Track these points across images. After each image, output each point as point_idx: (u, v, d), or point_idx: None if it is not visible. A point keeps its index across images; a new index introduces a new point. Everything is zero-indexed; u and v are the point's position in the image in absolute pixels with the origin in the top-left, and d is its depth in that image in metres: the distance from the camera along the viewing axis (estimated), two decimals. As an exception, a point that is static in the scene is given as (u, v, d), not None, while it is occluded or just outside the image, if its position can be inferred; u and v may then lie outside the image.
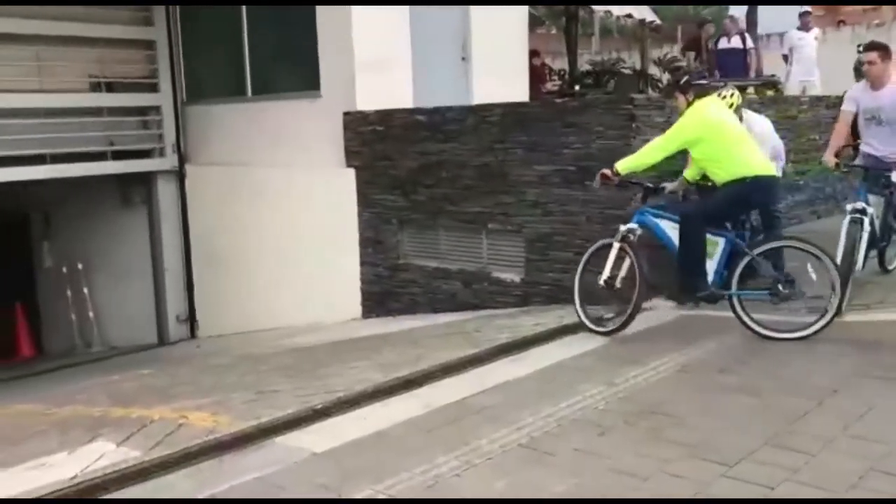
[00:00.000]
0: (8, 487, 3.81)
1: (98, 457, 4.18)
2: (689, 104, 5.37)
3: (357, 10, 8.04)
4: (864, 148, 6.24)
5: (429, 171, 7.46)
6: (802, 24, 11.43)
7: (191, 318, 9.89)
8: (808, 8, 11.89)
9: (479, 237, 7.26)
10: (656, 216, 5.46)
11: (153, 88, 9.76)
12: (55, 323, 11.09)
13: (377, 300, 8.06)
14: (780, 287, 5.17)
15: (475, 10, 9.05)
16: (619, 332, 5.48)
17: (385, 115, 7.80)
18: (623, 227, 5.46)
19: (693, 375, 4.78)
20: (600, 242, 5.60)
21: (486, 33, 9.12)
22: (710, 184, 5.58)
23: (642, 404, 4.31)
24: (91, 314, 10.44)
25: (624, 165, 5.38)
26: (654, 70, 13.18)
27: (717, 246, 5.31)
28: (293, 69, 8.93)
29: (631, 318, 5.40)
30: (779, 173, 6.00)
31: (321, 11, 8.30)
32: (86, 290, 10.50)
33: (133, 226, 10.12)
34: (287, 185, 8.74)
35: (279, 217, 8.80)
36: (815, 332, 5.05)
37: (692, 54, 11.89)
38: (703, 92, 5.49)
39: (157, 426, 4.62)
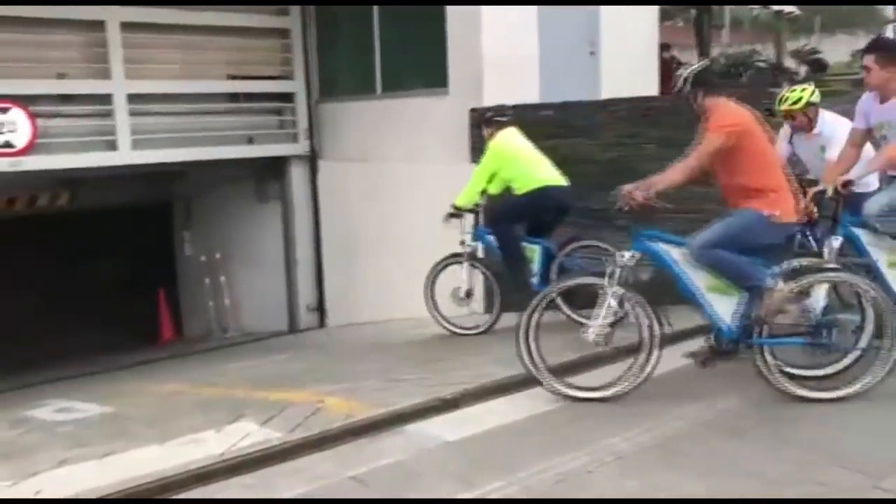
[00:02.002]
0: (166, 460, 4.10)
1: (243, 436, 4.43)
2: (491, 137, 6.49)
3: (486, 8, 8.10)
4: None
5: (555, 166, 7.44)
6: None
7: (320, 308, 10.26)
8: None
9: (605, 234, 7.17)
10: (485, 233, 6.43)
11: (288, 85, 10.19)
12: (194, 309, 11.75)
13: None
14: None
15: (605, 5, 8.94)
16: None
17: (512, 111, 7.82)
18: (466, 245, 6.53)
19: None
20: (446, 259, 6.63)
21: (615, 27, 8.99)
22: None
23: (779, 411, 4.19)
24: (227, 301, 10.99)
25: (461, 201, 6.49)
26: (790, 63, 12.62)
27: (535, 252, 6.14)
28: (421, 66, 9.09)
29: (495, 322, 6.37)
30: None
31: (451, 10, 8.42)
32: (223, 279, 11.06)
33: (267, 219, 10.59)
34: (414, 180, 8.91)
35: (406, 211, 8.99)
36: None
37: None
38: (501, 125, 6.57)
39: (296, 409, 4.85)
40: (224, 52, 9.89)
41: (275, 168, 10.38)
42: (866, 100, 4.99)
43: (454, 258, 6.73)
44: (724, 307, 4.48)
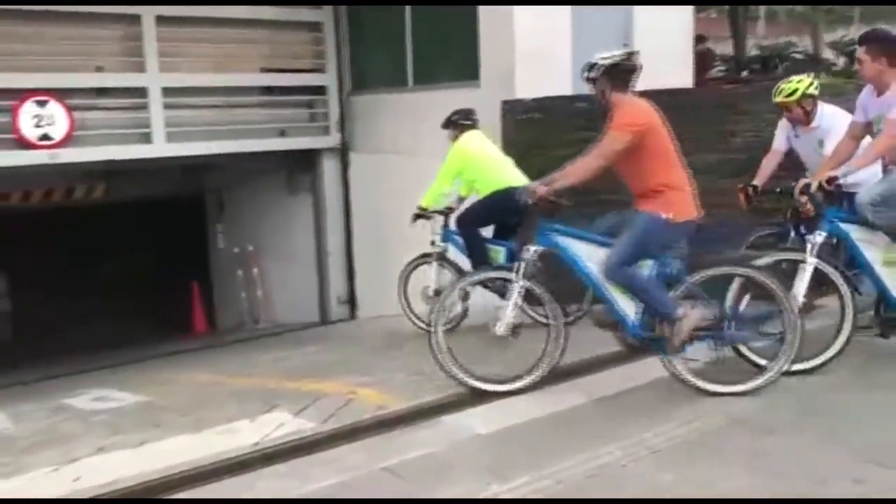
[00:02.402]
0: (201, 449, 4.14)
1: (277, 426, 4.47)
2: (455, 138, 6.65)
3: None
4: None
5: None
6: None
7: (351, 300, 10.31)
8: None
9: (638, 227, 7.12)
10: (453, 234, 6.44)
11: (320, 78, 10.24)
12: (227, 300, 11.87)
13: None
14: None
15: (639, -4, 8.85)
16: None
17: (544, 103, 7.78)
18: (435, 245, 6.53)
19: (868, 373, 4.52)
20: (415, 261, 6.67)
21: (649, 19, 8.90)
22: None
23: (815, 405, 4.13)
24: (259, 293, 11.09)
25: (425, 202, 6.68)
26: (828, 54, 12.40)
27: (499, 254, 6.10)
28: (453, 59, 9.08)
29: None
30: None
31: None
32: (255, 271, 11.16)
33: (299, 212, 10.65)
34: (445, 172, 8.90)
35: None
36: None
37: None
38: (465, 128, 6.70)
39: (329, 400, 4.88)
40: (257, 46, 9.96)
41: (306, 161, 10.44)
42: (866, 93, 4.92)
43: (424, 258, 6.85)
44: (627, 303, 4.56)
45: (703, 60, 10.99)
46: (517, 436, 4.07)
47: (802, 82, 5.39)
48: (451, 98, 8.86)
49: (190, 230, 12.70)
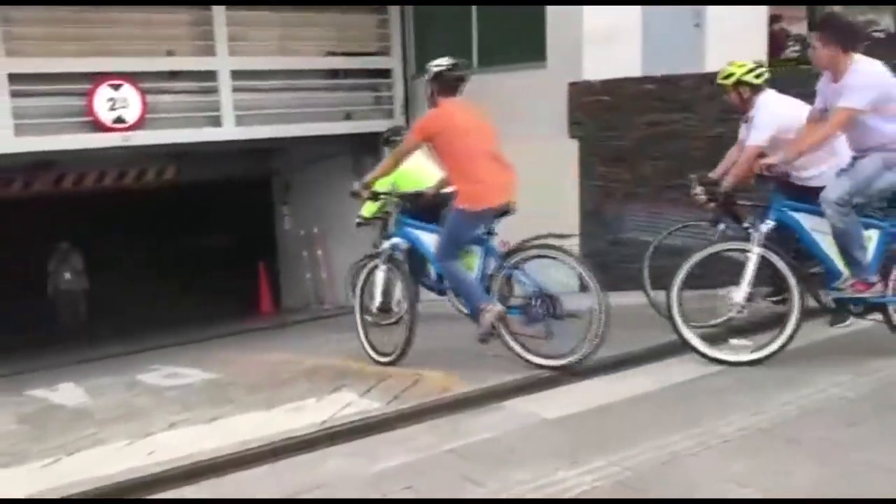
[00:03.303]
0: (271, 426, 4.23)
1: (344, 405, 4.52)
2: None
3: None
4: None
5: (656, 142, 7.25)
6: None
7: (414, 282, 10.36)
8: None
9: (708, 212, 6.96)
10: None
11: (385, 61, 10.27)
12: (292, 281, 12.05)
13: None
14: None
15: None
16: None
17: (612, 85, 7.66)
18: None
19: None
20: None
21: (722, -2, 8.64)
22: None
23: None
24: (324, 275, 11.22)
25: (367, 212, 6.77)
26: (910, 32, 11.84)
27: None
28: (520, 40, 8.97)
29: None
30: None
31: (551, -19, 8.28)
32: (320, 253, 11.29)
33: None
34: (509, 155, 8.82)
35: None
36: None
37: None
38: (397, 144, 6.27)
39: (394, 381, 4.91)
40: (323, 29, 10.03)
41: (371, 144, 10.48)
42: (824, 80, 4.76)
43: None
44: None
45: (777, 40, 10.62)
46: (584, 421, 4.03)
47: (741, 68, 5.29)
48: (517, 80, 8.79)
49: (257, 212, 12.93)
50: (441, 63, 5.12)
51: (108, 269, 13.74)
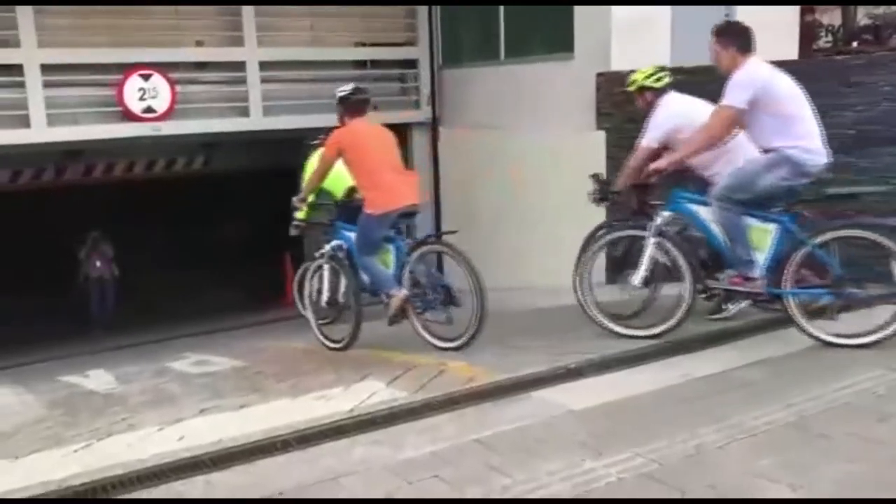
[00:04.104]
0: (298, 414, 4.27)
1: (370, 394, 4.56)
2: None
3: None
4: None
5: (685, 134, 7.17)
6: None
7: (439, 271, 10.37)
8: None
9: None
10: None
11: (412, 52, 10.28)
12: (318, 271, 12.10)
13: (621, 266, 7.95)
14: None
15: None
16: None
17: (640, 76, 7.58)
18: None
19: None
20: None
21: (753, -12, 8.55)
22: None
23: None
24: (349, 265, 11.27)
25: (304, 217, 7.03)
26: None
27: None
28: (547, 32, 8.95)
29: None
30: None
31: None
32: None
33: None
34: (536, 147, 8.83)
35: (529, 178, 8.93)
36: None
37: None
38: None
39: (420, 371, 4.94)
40: (350, 20, 10.06)
41: (397, 134, 10.49)
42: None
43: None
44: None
45: (809, 31, 10.49)
46: (611, 413, 4.03)
47: (642, 73, 5.71)
48: (544, 71, 8.78)
49: (284, 202, 12.96)
50: (345, 89, 5.99)
51: (137, 257, 13.89)
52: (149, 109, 9.02)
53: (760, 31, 8.41)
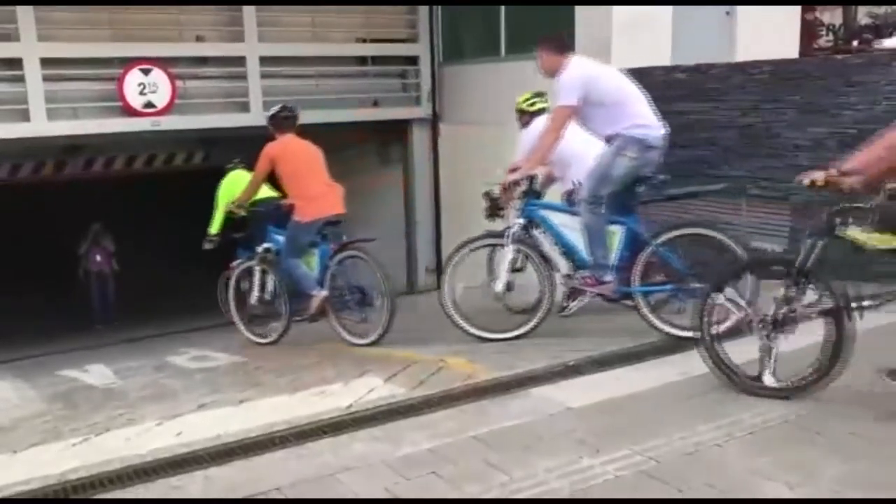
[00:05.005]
0: (299, 410, 4.27)
1: (368, 390, 4.56)
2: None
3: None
4: None
5: (685, 131, 7.16)
6: None
7: (438, 270, 10.38)
8: None
9: (738, 203, 6.91)
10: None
11: (413, 48, 10.27)
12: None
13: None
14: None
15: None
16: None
17: (641, 74, 7.54)
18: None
19: None
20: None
21: (754, -15, 8.56)
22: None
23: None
24: (349, 261, 11.29)
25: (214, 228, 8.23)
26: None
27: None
28: (548, 29, 8.91)
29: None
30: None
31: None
32: (345, 238, 11.32)
33: (389, 181, 10.77)
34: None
35: (529, 176, 8.91)
36: None
37: None
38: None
39: (419, 367, 4.94)
40: (352, 16, 10.04)
41: (397, 131, 10.51)
42: None
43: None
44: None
45: (810, 29, 10.49)
46: (609, 411, 4.02)
47: (521, 97, 6.50)
48: (545, 68, 8.75)
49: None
50: (274, 109, 6.67)
51: (136, 252, 13.88)
52: (149, 104, 9.01)
53: (761, 28, 8.47)
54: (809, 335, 3.87)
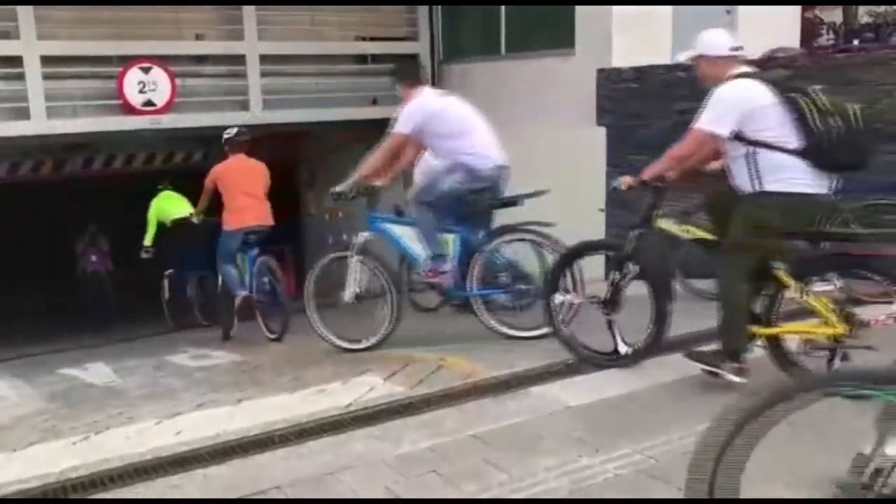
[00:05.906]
0: (298, 408, 4.28)
1: (368, 389, 4.56)
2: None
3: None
4: None
5: (685, 130, 7.16)
6: None
7: (437, 269, 10.38)
8: None
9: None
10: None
11: (412, 46, 10.25)
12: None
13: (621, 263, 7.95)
14: None
15: (744, -40, 8.50)
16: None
17: (642, 72, 7.59)
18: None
19: None
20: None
21: (754, -16, 8.55)
22: None
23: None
24: (348, 260, 11.29)
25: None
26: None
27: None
28: (548, 26, 8.93)
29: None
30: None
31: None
32: (343, 237, 11.32)
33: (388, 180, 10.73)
34: (536, 142, 8.79)
35: (528, 173, 8.89)
36: None
37: None
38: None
39: (419, 366, 4.94)
40: (351, 14, 10.03)
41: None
42: None
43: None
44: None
45: (811, 28, 10.48)
46: (608, 410, 4.03)
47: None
48: (545, 66, 8.76)
49: (283, 198, 12.93)
50: (230, 131, 7.31)
51: (133, 251, 13.86)
52: (148, 103, 9.00)
53: (761, 27, 8.46)
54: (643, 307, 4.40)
